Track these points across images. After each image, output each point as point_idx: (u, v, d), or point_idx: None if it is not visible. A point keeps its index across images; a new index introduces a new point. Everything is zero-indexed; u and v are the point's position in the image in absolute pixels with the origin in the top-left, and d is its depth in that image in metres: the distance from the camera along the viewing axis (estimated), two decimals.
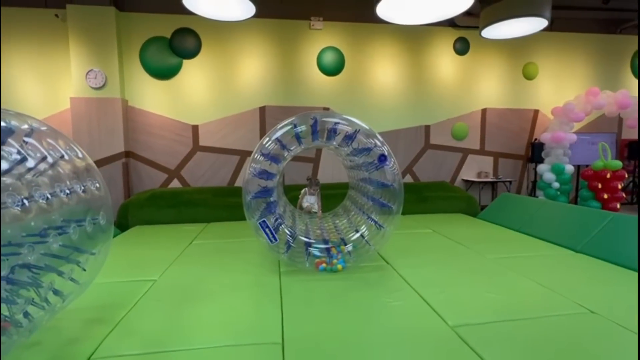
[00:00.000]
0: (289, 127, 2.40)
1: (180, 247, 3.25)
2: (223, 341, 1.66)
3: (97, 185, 1.72)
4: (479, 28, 5.16)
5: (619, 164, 5.01)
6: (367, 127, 2.46)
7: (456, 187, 5.64)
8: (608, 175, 4.90)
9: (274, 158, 2.42)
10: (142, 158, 5.05)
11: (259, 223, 2.36)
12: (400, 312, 1.94)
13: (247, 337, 1.69)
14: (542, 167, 5.49)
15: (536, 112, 6.10)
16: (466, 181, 5.92)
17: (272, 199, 2.48)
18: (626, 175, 5.06)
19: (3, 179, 1.24)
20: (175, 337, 1.70)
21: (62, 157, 1.55)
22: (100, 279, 1.90)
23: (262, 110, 5.25)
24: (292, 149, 2.47)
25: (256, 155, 2.42)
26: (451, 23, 5.51)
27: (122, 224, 4.33)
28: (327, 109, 5.39)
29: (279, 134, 2.40)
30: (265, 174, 2.42)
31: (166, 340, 1.67)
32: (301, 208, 3.18)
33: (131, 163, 5.02)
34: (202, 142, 5.18)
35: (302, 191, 3.24)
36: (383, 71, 5.50)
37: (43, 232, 1.31)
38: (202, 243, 3.45)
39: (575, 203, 5.77)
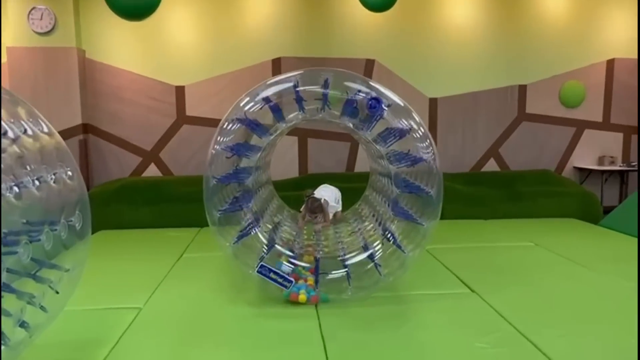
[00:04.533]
0: (287, 85, 2.42)
1: (166, 261, 3.33)
2: None
3: (70, 172, 1.77)
4: None
5: None
6: (400, 103, 2.44)
7: (566, 179, 5.50)
8: None
9: (255, 125, 2.45)
10: (107, 134, 5.18)
11: (258, 272, 2.44)
12: None
13: None
14: None
15: None
16: (581, 170, 5.76)
17: (247, 185, 2.54)
18: None
19: None
20: None
21: (25, 132, 1.61)
22: (69, 305, 1.97)
23: (277, 63, 5.25)
24: (289, 117, 2.48)
25: (227, 124, 2.46)
26: None
27: None
28: (371, 61, 5.34)
29: (268, 92, 2.42)
30: (240, 149, 2.46)
31: None
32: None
33: (91, 141, 5.16)
34: (191, 110, 5.25)
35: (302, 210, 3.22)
36: (454, 5, 5.38)
37: (8, 238, 1.36)
38: (196, 257, 3.51)
39: None
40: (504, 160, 5.69)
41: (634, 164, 5.67)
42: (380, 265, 2.55)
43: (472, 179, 5.40)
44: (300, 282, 2.57)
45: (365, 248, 2.67)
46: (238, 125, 2.46)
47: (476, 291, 2.71)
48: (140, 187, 4.73)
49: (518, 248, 3.73)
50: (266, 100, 2.44)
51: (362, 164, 5.18)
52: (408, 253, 2.52)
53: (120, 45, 5.12)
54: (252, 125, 2.46)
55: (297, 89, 2.41)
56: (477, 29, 5.45)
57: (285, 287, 2.47)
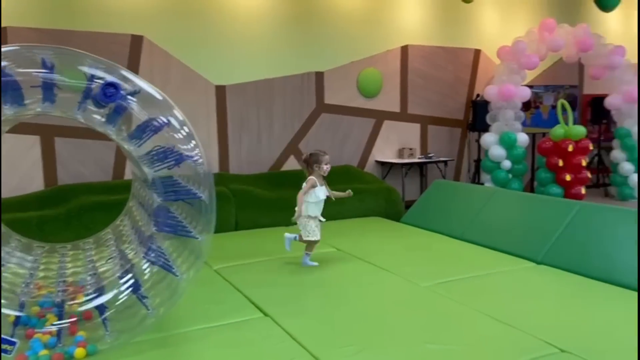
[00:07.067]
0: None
1: None
2: None
3: None
4: None
5: (582, 130, 6.15)
6: (157, 95, 2.37)
7: (368, 174, 6.04)
8: (570, 148, 5.96)
9: None
10: None
11: None
12: None
13: None
14: (487, 138, 6.33)
15: (477, 52, 6.98)
16: (383, 163, 6.40)
17: None
18: (590, 147, 6.25)
19: None
20: None
21: None
22: None
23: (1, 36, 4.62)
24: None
25: None
26: None
27: None
28: (139, 38, 5.08)
29: None
30: None
31: None
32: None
33: None
34: None
35: (306, 185, 3.53)
36: None
37: None
38: None
39: (532, 189, 6.88)
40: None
41: (431, 155, 6.55)
42: (146, 297, 2.38)
43: (272, 180, 5.54)
44: (40, 336, 2.26)
45: (124, 277, 2.46)
46: None
47: (270, 314, 2.75)
48: None
49: (319, 255, 3.88)
50: None
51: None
52: (181, 276, 2.41)
53: None
54: None
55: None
56: (265, 7, 5.61)
57: (7, 352, 2.12)
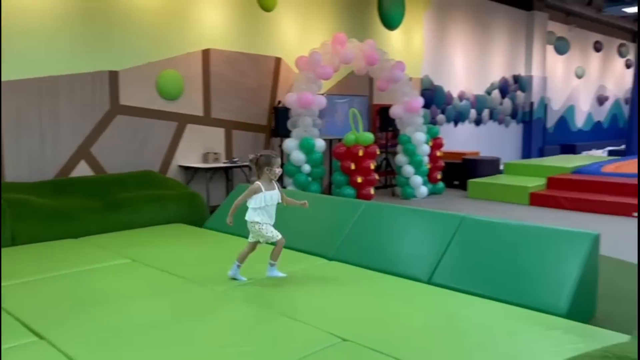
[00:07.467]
0: None
1: None
2: None
3: None
4: None
5: (370, 137, 6.74)
6: None
7: (171, 180, 5.83)
8: (361, 153, 6.48)
9: None
10: None
11: None
12: None
13: None
14: (288, 144, 6.57)
15: (278, 60, 7.20)
16: (187, 168, 6.26)
17: None
18: (378, 152, 6.87)
19: None
20: None
21: None
22: None
23: None
24: None
25: None
26: None
27: None
28: None
29: None
30: None
31: None
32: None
33: None
34: None
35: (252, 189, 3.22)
36: None
37: None
38: None
39: (330, 191, 7.31)
40: (99, 162, 5.58)
41: (236, 159, 6.57)
42: None
43: (58, 188, 5.02)
44: None
45: None
46: None
47: (46, 337, 2.50)
48: None
49: (111, 268, 3.66)
50: None
51: None
52: None
53: None
54: None
55: None
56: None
57: None
